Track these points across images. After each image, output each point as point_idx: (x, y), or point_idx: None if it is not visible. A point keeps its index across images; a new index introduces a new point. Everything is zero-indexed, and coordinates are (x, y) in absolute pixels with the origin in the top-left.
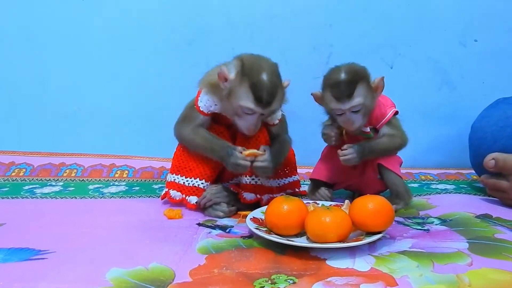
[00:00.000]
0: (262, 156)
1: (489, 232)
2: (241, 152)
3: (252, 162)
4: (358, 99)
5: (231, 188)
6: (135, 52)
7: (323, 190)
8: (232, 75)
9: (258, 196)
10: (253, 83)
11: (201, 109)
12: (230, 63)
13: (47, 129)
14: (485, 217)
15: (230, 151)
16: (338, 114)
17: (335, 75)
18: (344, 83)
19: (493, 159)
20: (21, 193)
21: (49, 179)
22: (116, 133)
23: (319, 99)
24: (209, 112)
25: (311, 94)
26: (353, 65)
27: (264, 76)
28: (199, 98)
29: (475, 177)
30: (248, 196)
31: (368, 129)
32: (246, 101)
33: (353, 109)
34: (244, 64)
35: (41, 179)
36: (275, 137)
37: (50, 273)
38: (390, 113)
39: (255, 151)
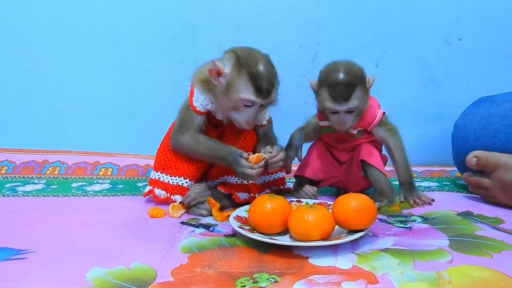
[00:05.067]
0: (271, 156)
1: (470, 229)
2: (247, 159)
3: (266, 165)
4: (354, 102)
5: (222, 190)
6: (120, 48)
7: (308, 188)
8: (227, 69)
9: (251, 194)
10: (252, 74)
11: (198, 109)
12: (222, 58)
13: (30, 125)
14: (467, 214)
15: (236, 158)
16: (332, 113)
17: (334, 75)
18: (343, 85)
19: (475, 157)
20: (2, 191)
21: (32, 177)
22: (101, 130)
23: (314, 91)
24: (205, 111)
25: (309, 81)
26: (351, 65)
27: (261, 67)
28: (193, 98)
29: (458, 175)
30: (242, 195)
31: (355, 132)
32: (246, 93)
33: (348, 110)
34: (239, 56)
35: (23, 177)
36: (262, 138)
37: (30, 273)
38: (379, 115)
39: (260, 154)
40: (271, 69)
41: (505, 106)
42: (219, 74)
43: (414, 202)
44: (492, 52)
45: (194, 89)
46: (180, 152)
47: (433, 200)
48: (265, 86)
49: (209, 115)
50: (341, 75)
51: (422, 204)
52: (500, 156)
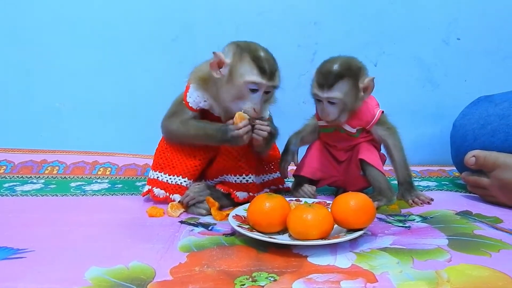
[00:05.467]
0: (260, 123)
1: (469, 228)
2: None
3: (252, 127)
4: (336, 93)
5: (221, 189)
6: (120, 48)
7: (307, 187)
8: (228, 58)
9: (250, 193)
10: (254, 57)
11: (190, 105)
12: (223, 50)
13: (29, 125)
14: (465, 214)
15: (223, 128)
16: (317, 100)
17: (328, 63)
18: (330, 73)
19: (473, 156)
20: (1, 191)
21: (30, 177)
22: (100, 130)
23: None
24: (198, 108)
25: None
26: (351, 60)
27: (262, 52)
28: (187, 93)
29: (457, 174)
30: (241, 194)
31: (354, 130)
32: (251, 74)
33: (330, 100)
34: (239, 45)
35: (22, 177)
36: None
37: (28, 273)
38: (378, 114)
39: (241, 113)
40: (271, 55)
41: (504, 106)
42: (220, 65)
43: (413, 201)
44: (491, 51)
45: (190, 86)
46: (172, 140)
47: (432, 200)
48: (268, 67)
49: (206, 111)
50: (333, 65)
51: (421, 203)
52: (499, 156)
